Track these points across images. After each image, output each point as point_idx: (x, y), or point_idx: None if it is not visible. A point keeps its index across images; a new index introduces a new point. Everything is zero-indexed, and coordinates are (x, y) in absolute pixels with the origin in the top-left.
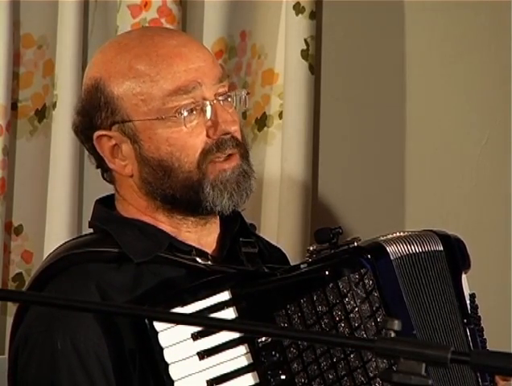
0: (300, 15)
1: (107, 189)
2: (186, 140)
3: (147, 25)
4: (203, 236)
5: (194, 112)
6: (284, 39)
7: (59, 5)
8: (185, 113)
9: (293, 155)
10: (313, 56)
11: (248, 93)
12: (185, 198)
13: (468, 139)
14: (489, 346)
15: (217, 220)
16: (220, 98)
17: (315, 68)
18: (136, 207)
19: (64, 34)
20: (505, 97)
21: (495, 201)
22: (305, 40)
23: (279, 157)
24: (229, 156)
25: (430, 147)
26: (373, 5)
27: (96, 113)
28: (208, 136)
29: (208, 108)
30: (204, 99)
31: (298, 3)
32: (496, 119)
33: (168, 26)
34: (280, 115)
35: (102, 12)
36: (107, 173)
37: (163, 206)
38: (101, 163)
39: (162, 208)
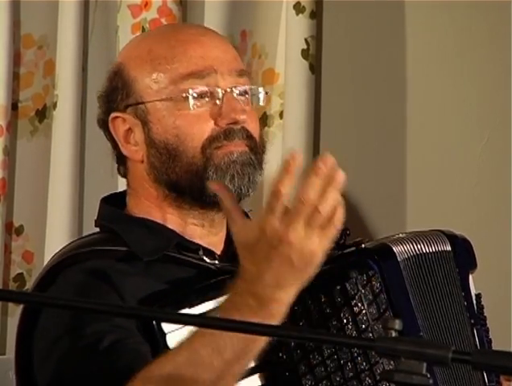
0: (301, 15)
1: (107, 189)
2: (193, 124)
3: (147, 25)
4: (211, 234)
5: (205, 98)
6: (285, 39)
7: (59, 5)
8: (194, 95)
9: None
10: (314, 56)
11: (266, 92)
12: (189, 184)
13: (469, 138)
14: (492, 346)
15: (225, 219)
16: (235, 91)
17: (315, 68)
18: (146, 197)
19: (65, 34)
20: (506, 96)
21: (497, 200)
22: (305, 40)
23: (280, 157)
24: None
25: (431, 146)
26: (374, 4)
27: (113, 97)
28: (216, 123)
29: (219, 96)
30: (218, 87)
31: (298, 3)
32: (496, 118)
33: None
34: (281, 115)
35: (103, 12)
36: (123, 166)
37: (169, 194)
38: (118, 154)
39: (169, 197)
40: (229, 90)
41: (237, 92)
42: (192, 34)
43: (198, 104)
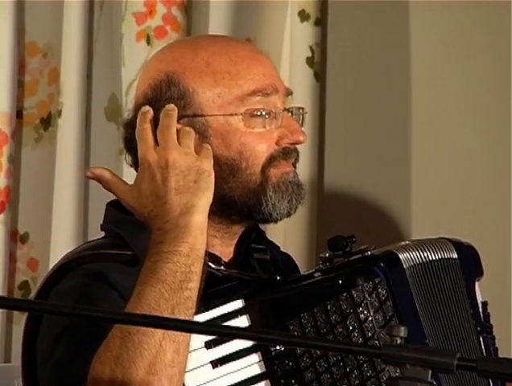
0: (305, 22)
1: (112, 197)
2: (258, 142)
3: (152, 33)
4: (224, 244)
5: (267, 116)
6: (289, 46)
7: (64, 13)
8: (264, 113)
9: (299, 162)
10: (318, 63)
11: (306, 112)
12: (244, 200)
13: (473, 144)
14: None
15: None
16: (291, 111)
17: (320, 75)
18: None
19: (69, 42)
20: (506, 98)
21: (499, 208)
22: (310, 47)
23: None
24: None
25: (435, 153)
26: (379, 12)
27: (164, 106)
28: (277, 143)
29: (280, 116)
30: (276, 106)
31: (303, 10)
32: (499, 124)
33: (173, 33)
34: None
35: (107, 20)
36: None
37: (211, 207)
38: None
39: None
40: (285, 110)
41: (292, 111)
42: (249, 51)
43: (264, 122)
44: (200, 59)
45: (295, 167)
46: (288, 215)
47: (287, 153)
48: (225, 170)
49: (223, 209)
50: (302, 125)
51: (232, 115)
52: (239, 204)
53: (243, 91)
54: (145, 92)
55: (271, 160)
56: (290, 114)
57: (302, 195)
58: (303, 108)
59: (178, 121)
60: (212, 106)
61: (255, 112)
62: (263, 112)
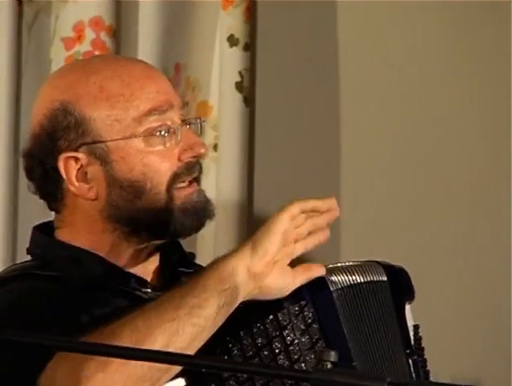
0: (234, 47)
1: (42, 220)
2: (160, 161)
3: (81, 58)
4: (147, 262)
5: (167, 134)
6: (218, 71)
7: None
8: (162, 132)
9: (228, 187)
10: (247, 88)
11: (204, 121)
12: (153, 221)
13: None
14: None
15: (158, 252)
16: (187, 124)
17: (249, 100)
18: (88, 231)
19: None
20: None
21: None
22: (239, 72)
23: (214, 189)
24: (190, 182)
25: (366, 175)
26: (308, 37)
27: (62, 136)
28: (179, 159)
29: (179, 131)
30: (174, 121)
31: (232, 35)
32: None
33: None
34: (215, 147)
35: (36, 45)
36: (57, 202)
37: (123, 230)
38: (48, 191)
39: (119, 231)
40: (182, 124)
41: (189, 125)
42: (141, 70)
43: (164, 140)
44: (93, 84)
45: (198, 181)
46: (197, 230)
47: (191, 168)
48: (131, 192)
49: (135, 230)
50: (201, 133)
51: (131, 137)
52: (147, 225)
53: (139, 112)
54: (41, 122)
55: (175, 178)
56: (188, 126)
57: (210, 210)
58: (200, 118)
59: (77, 150)
60: (110, 131)
61: (154, 132)
62: (162, 132)
